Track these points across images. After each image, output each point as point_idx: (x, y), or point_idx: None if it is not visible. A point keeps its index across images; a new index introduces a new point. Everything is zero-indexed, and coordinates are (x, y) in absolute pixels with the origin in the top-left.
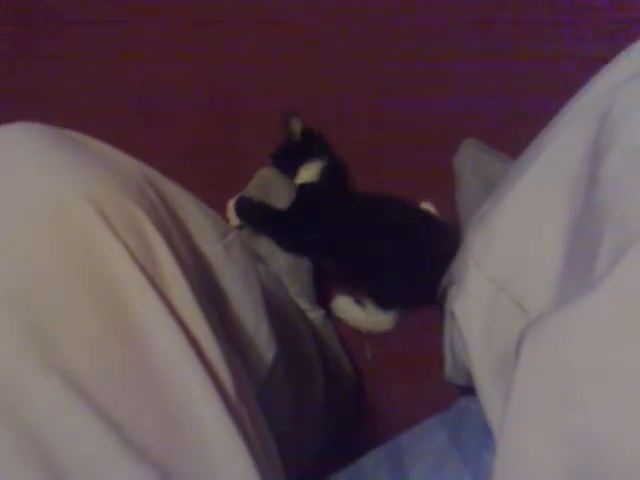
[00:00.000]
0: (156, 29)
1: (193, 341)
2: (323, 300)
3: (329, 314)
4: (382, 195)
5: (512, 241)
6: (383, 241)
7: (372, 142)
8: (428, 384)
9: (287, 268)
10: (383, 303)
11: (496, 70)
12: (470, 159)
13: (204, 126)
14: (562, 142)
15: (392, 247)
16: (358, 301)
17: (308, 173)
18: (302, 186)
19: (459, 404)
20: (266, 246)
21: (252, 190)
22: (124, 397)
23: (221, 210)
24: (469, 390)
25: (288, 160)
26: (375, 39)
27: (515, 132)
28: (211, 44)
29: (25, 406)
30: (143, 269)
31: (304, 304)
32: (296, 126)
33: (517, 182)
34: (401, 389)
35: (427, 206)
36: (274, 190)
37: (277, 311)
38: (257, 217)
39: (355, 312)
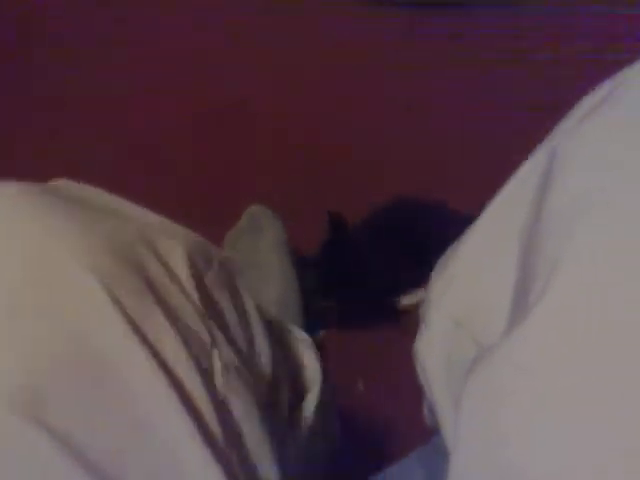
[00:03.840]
0: (159, 59)
1: (180, 389)
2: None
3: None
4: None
5: (468, 281)
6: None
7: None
8: (420, 417)
9: (277, 299)
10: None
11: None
12: None
13: (202, 160)
14: (514, 186)
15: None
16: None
17: None
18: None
19: (435, 439)
20: (257, 278)
21: (243, 227)
22: (109, 448)
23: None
24: None
25: None
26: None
27: None
28: (206, 81)
29: (15, 463)
30: (139, 333)
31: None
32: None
33: (475, 224)
34: (392, 421)
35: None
36: (265, 227)
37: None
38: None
39: None
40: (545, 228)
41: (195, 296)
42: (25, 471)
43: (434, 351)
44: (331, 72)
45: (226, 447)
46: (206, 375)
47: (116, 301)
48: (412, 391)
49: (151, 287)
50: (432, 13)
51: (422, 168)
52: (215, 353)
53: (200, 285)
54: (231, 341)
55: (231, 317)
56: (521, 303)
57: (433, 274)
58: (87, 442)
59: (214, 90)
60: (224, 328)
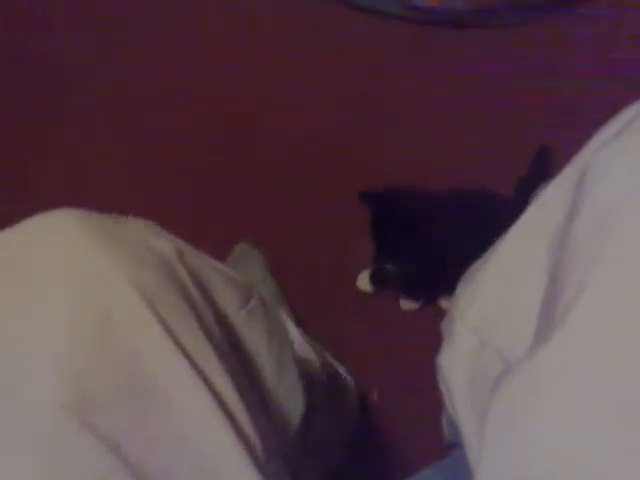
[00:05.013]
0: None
1: (225, 408)
2: None
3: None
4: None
5: (495, 296)
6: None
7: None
8: (433, 429)
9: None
10: None
11: None
12: None
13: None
14: (544, 202)
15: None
16: None
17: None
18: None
19: (456, 452)
20: None
21: (230, 264)
22: (153, 455)
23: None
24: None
25: None
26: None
27: None
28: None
29: (69, 465)
30: (179, 344)
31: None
32: None
33: (503, 239)
34: (408, 432)
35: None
36: (251, 258)
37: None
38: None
39: None
40: (573, 247)
41: (224, 327)
42: (75, 475)
43: (458, 368)
44: (335, 82)
45: (265, 464)
46: (242, 394)
47: (157, 315)
48: (428, 403)
49: (191, 307)
50: (438, 31)
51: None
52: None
53: (229, 319)
54: (256, 372)
55: (261, 349)
56: (548, 321)
57: (458, 288)
58: (133, 449)
59: (223, 102)
60: (250, 360)
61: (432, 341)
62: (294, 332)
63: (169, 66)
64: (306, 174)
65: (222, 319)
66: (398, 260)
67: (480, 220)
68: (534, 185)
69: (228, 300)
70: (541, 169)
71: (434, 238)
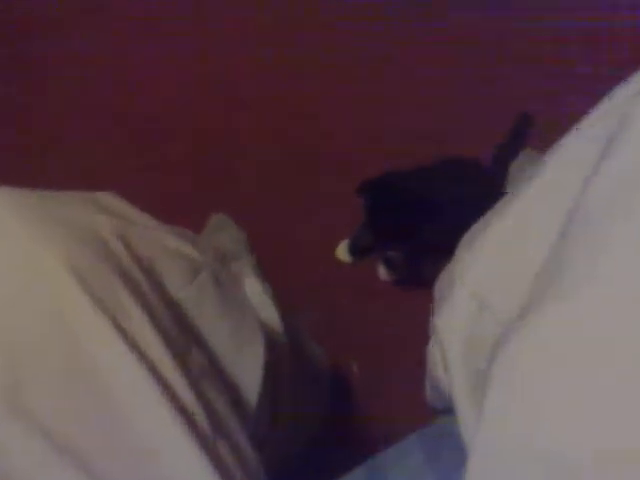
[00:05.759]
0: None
1: (164, 385)
2: None
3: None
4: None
5: (497, 259)
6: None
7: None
8: (414, 398)
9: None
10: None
11: None
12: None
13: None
14: (565, 161)
15: None
16: None
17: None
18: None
19: (439, 421)
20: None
21: (205, 236)
22: (92, 441)
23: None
24: (450, 410)
25: None
26: None
27: None
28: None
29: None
30: (114, 320)
31: None
32: None
33: (513, 200)
34: (388, 403)
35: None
36: (226, 227)
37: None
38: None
39: None
40: (588, 210)
41: (172, 306)
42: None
43: (455, 333)
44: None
45: (215, 438)
46: (185, 370)
47: (90, 293)
48: (407, 374)
49: (131, 287)
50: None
51: None
52: (190, 356)
53: (177, 296)
54: (204, 346)
55: (213, 325)
56: (552, 281)
57: (459, 249)
58: (65, 429)
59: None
60: (197, 334)
61: (415, 312)
62: (262, 300)
63: (169, 65)
64: (288, 148)
65: (169, 297)
66: (398, 245)
67: (464, 189)
68: (512, 153)
69: (176, 276)
70: (520, 137)
71: (426, 216)
